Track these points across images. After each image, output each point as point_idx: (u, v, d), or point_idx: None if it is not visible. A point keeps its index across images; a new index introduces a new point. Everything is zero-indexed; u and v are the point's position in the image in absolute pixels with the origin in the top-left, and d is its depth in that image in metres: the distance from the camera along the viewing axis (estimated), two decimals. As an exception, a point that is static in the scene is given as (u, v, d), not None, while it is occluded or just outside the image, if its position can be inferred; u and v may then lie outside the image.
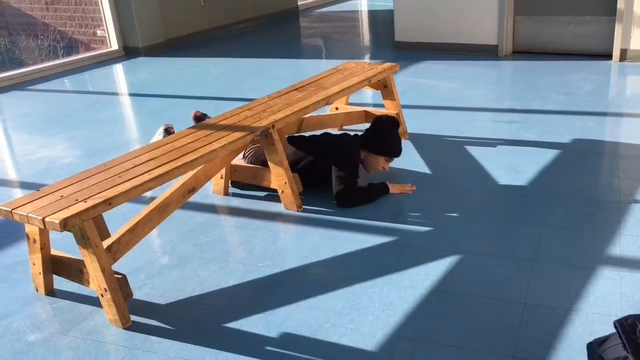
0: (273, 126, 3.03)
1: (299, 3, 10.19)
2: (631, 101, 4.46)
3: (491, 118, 4.26)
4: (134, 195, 2.35)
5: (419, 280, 2.41)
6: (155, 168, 2.51)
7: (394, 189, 3.21)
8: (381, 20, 8.71)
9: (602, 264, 2.42)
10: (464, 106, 4.54)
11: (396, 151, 3.31)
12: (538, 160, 3.45)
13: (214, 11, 8.42)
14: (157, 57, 7.30)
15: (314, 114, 3.65)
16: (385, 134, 3.30)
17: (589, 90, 4.65)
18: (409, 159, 3.66)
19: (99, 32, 7.90)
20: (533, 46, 5.75)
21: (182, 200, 2.85)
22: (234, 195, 3.33)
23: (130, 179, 2.41)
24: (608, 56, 5.28)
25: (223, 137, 2.88)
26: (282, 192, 3.11)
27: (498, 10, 5.71)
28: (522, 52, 5.80)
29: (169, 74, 6.49)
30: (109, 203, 2.24)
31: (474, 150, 3.69)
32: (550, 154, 3.53)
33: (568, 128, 3.90)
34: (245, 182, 3.33)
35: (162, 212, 2.67)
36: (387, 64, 3.96)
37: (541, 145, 3.66)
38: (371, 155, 3.28)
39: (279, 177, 3.08)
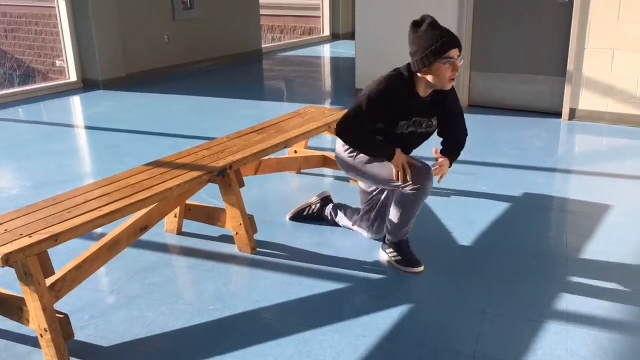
0: (230, 167, 3.02)
1: (263, 45, 10.33)
2: (578, 159, 4.64)
3: (454, 169, 4.34)
4: (82, 231, 2.28)
5: (370, 329, 2.39)
6: (107, 204, 2.45)
7: (399, 158, 2.69)
8: (343, 67, 8.89)
9: (550, 317, 2.46)
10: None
11: (447, 39, 2.58)
12: (490, 212, 3.53)
13: (177, 48, 8.45)
14: (117, 90, 7.24)
15: (273, 156, 3.65)
16: (422, 31, 2.64)
17: (539, 147, 4.82)
18: (365, 206, 3.68)
19: (57, 62, 7.80)
20: (487, 100, 5.95)
21: (133, 238, 2.78)
22: (187, 234, 3.28)
23: (80, 214, 2.34)
24: (558, 114, 5.50)
25: (179, 175, 2.84)
26: (237, 233, 3.07)
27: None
28: (477, 106, 5.99)
29: (128, 108, 6.43)
30: (56, 239, 2.17)
31: (428, 200, 3.74)
32: (502, 207, 3.61)
33: (520, 182, 4.01)
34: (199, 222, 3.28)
35: (111, 249, 2.60)
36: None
37: (494, 198, 3.75)
38: (428, 69, 2.63)
39: (233, 218, 3.05)
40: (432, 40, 2.58)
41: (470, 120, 5.76)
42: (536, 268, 2.89)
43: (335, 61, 9.90)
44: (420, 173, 2.71)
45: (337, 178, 4.15)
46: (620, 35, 5.02)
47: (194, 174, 2.87)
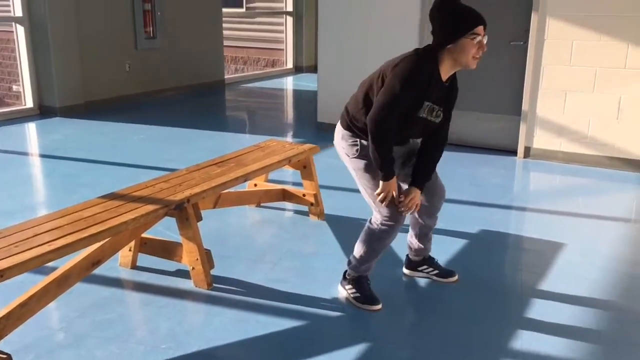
0: (188, 201, 2.97)
1: (226, 76, 10.34)
2: (533, 196, 4.75)
3: (405, 204, 4.38)
4: (30, 267, 2.20)
5: (327, 369, 2.36)
6: (58, 239, 2.37)
7: (393, 184, 2.62)
8: (305, 100, 8.95)
9: (505, 357, 2.47)
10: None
11: (475, 15, 2.52)
12: (448, 249, 3.55)
13: (139, 77, 8.38)
14: (75, 118, 7.10)
15: (232, 189, 3.62)
16: (448, 7, 2.55)
17: (496, 184, 4.92)
18: (325, 242, 3.67)
19: (14, 87, 7.63)
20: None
21: (85, 273, 2.70)
22: (142, 269, 3.19)
23: (29, 249, 2.26)
24: (514, 152, 5.64)
25: (135, 209, 2.78)
26: (193, 268, 3.01)
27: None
28: (436, 142, 6.07)
29: (86, 136, 6.31)
30: (1, 275, 2.08)
31: (387, 235, 3.76)
32: (459, 244, 3.65)
33: (477, 219, 4.07)
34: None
35: (61, 285, 2.51)
36: (308, 145, 4.03)
37: (452, 235, 3.79)
38: (452, 49, 2.53)
39: (190, 253, 2.99)
40: (460, 15, 2.51)
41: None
42: (492, 306, 2.91)
43: (297, 94, 9.97)
44: (400, 210, 2.72)
45: (297, 212, 4.14)
46: (572, 78, 5.22)
47: (151, 207, 2.82)
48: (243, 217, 4.04)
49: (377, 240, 2.77)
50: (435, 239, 3.69)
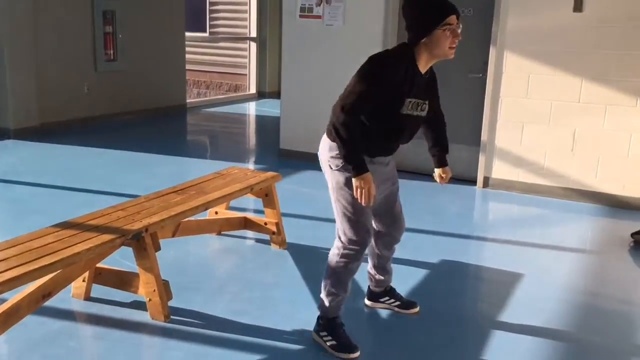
0: (146, 230, 2.90)
1: (187, 100, 10.25)
2: (492, 226, 4.82)
3: (367, 233, 4.38)
4: (-24, 301, 2.09)
5: (287, 405, 2.30)
6: (6, 271, 2.27)
7: (365, 181, 2.48)
8: (268, 126, 8.94)
9: (466, 390, 2.46)
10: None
11: (445, 5, 2.53)
12: (409, 280, 3.55)
13: (98, 99, 8.23)
14: (29, 141, 6.91)
15: (192, 218, 3.55)
16: (415, 3, 2.57)
17: (456, 213, 4.97)
18: (287, 271, 3.63)
19: (-34, 108, 7.38)
20: (407, 166, 6.11)
21: (35, 305, 2.59)
22: (96, 300, 3.08)
23: (-25, 282, 2.15)
24: (473, 182, 5.73)
25: (89, 238, 2.69)
26: (150, 300, 2.92)
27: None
28: (398, 170, 6.12)
29: (40, 160, 6.13)
30: (-56, 310, 1.97)
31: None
32: (420, 274, 3.65)
33: (437, 249, 4.09)
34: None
35: (8, 319, 2.40)
36: (270, 173, 4.01)
37: (413, 265, 3.79)
38: (427, 42, 2.52)
39: (147, 284, 2.90)
40: (430, 7, 2.53)
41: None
42: (453, 337, 2.91)
43: (260, 119, 9.96)
44: (364, 229, 2.64)
45: (258, 240, 4.08)
46: (529, 110, 5.35)
47: (106, 237, 2.73)
48: (203, 246, 3.96)
49: (343, 268, 2.68)
50: (396, 269, 3.69)
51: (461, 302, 3.37)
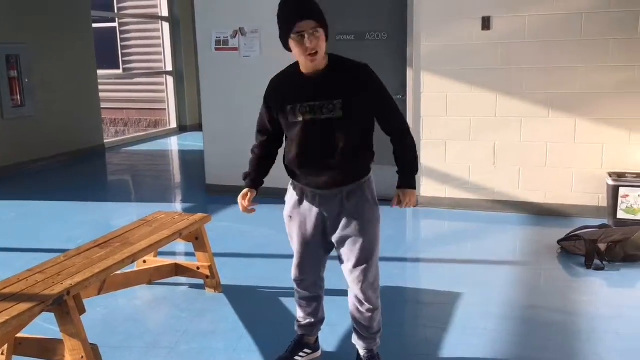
0: (68, 293, 2.69)
1: (105, 140, 9.87)
2: (426, 246, 4.86)
3: (304, 266, 4.30)
4: None
5: None
6: None
7: (242, 197, 2.74)
8: (192, 161, 8.73)
9: None
10: (279, 253, 4.55)
11: (288, 12, 2.34)
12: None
13: (6, 149, 7.75)
14: None
15: (119, 271, 3.35)
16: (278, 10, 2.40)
17: (389, 236, 4.97)
18: (224, 317, 3.48)
19: None
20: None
21: (-54, 392, 2.33)
22: (18, 374, 2.83)
23: None
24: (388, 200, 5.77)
25: (5, 310, 2.46)
26: (78, 368, 2.70)
27: (304, 157, 6.04)
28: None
29: (-54, 219, 5.68)
30: None
31: (289, 303, 3.63)
32: (361, 304, 3.60)
33: (375, 275, 4.06)
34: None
35: None
36: (199, 215, 3.86)
37: (352, 295, 3.73)
38: (291, 49, 2.40)
39: (73, 350, 2.69)
40: (279, 17, 2.36)
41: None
42: (401, 369, 2.86)
43: (184, 154, 9.72)
44: (299, 265, 2.82)
45: (192, 286, 3.91)
46: (449, 128, 5.48)
47: (24, 306, 2.51)
48: (133, 298, 3.75)
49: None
50: (335, 300, 3.63)
51: (406, 328, 3.34)
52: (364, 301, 2.67)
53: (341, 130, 2.44)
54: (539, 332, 3.24)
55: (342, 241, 2.61)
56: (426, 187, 5.66)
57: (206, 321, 3.44)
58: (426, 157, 5.60)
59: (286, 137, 2.63)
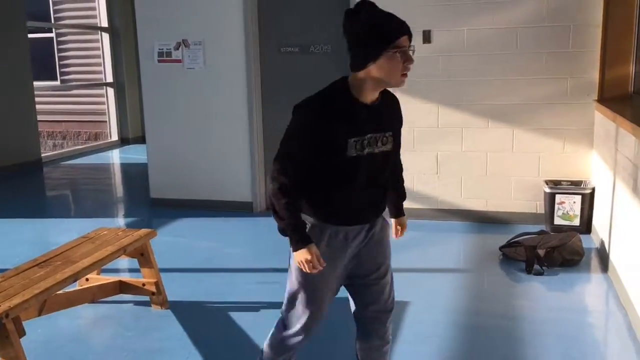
0: (7, 315, 2.58)
1: (42, 154, 9.52)
2: (374, 255, 4.90)
3: (253, 279, 4.28)
4: None
5: None
6: None
7: (308, 254, 2.14)
8: (135, 174, 8.54)
9: None
10: (226, 267, 4.51)
11: (396, 24, 2.09)
12: (301, 324, 3.48)
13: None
14: None
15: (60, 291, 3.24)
16: (363, 18, 2.10)
17: (338, 246, 5.01)
18: (172, 334, 3.41)
19: None
20: (285, 203, 6.10)
21: None
22: (-48, 403, 2.68)
23: None
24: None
25: (-62, 336, 2.34)
26: (18, 394, 2.59)
27: (250, 168, 6.01)
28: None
29: None
30: None
31: (238, 317, 3.60)
32: (311, 316, 3.60)
33: (324, 286, 4.07)
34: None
35: None
36: (144, 231, 3.77)
37: (302, 307, 3.73)
38: (374, 64, 2.08)
39: (13, 376, 2.58)
40: (378, 26, 2.07)
41: (270, 224, 5.83)
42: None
43: (126, 168, 9.49)
44: (316, 319, 2.35)
45: (137, 303, 3.82)
46: (394, 139, 5.57)
47: (-41, 332, 2.39)
48: (75, 318, 3.62)
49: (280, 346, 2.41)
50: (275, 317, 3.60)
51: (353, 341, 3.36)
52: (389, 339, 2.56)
53: (388, 163, 2.29)
54: (484, 337, 3.33)
55: (368, 273, 2.39)
56: (372, 197, 5.72)
57: (153, 339, 3.36)
58: (372, 167, 5.67)
59: (318, 176, 2.20)
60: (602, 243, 4.46)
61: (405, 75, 2.12)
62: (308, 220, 2.23)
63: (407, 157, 5.51)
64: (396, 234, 2.56)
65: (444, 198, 5.57)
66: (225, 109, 5.93)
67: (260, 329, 3.41)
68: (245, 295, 3.94)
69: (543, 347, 3.18)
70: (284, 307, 2.39)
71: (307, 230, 2.19)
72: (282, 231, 2.21)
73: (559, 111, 5.18)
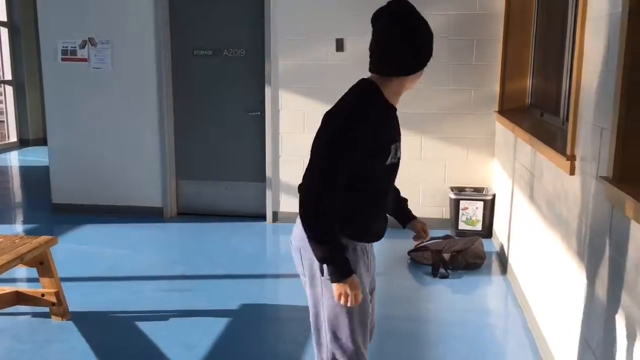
0: None
1: None
2: (285, 262, 4.89)
3: (161, 287, 4.16)
4: None
5: None
6: None
7: (350, 287, 1.95)
8: (35, 178, 8.06)
9: None
10: (133, 275, 4.35)
11: (432, 45, 2.07)
12: (210, 332, 3.42)
13: None
14: None
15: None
16: (414, 25, 2.01)
17: (250, 253, 4.97)
18: (74, 347, 3.24)
19: None
20: (196, 208, 5.99)
21: None
22: None
23: None
24: (263, 218, 5.80)
25: None
26: None
27: (160, 172, 5.85)
28: (186, 214, 5.97)
29: None
30: None
31: (145, 327, 3.49)
32: (222, 324, 3.54)
33: (236, 293, 4.03)
34: None
35: None
36: (43, 238, 3.57)
37: (213, 314, 3.67)
38: (405, 78, 2.04)
39: None
40: (426, 45, 2.04)
41: (181, 229, 5.74)
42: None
43: (26, 171, 8.96)
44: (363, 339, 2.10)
45: (35, 315, 3.60)
46: (308, 144, 5.57)
47: None
48: (-35, 333, 3.37)
49: None
50: (194, 321, 3.55)
51: (266, 347, 3.35)
52: None
53: (397, 172, 2.20)
54: (393, 340, 3.41)
55: (373, 288, 2.38)
56: (285, 202, 5.74)
57: (52, 353, 3.19)
58: (285, 173, 5.69)
59: (353, 188, 2.01)
60: (502, 247, 4.71)
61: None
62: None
63: (320, 163, 5.62)
64: (423, 237, 2.45)
65: (355, 204, 5.67)
66: (135, 110, 5.74)
67: (167, 338, 3.33)
68: (152, 304, 3.82)
69: (448, 348, 3.31)
70: (331, 341, 2.11)
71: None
72: (322, 260, 1.96)
73: (464, 121, 5.42)
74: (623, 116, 2.06)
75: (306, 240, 1.98)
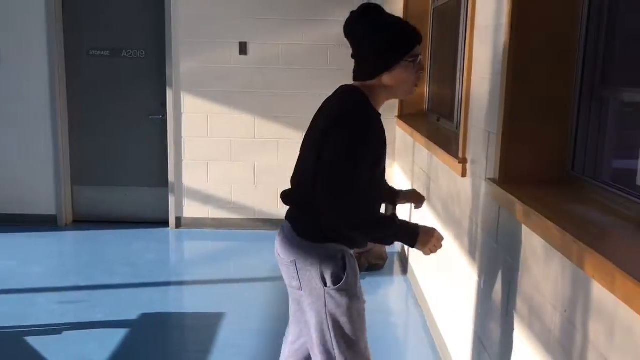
0: None
1: None
2: (189, 268, 4.81)
3: (55, 299, 3.94)
4: None
5: None
6: None
7: (431, 235, 2.06)
8: None
9: None
10: (24, 287, 4.09)
11: (412, 31, 1.99)
12: (109, 344, 3.28)
13: None
14: None
15: None
16: (376, 23, 1.99)
17: (151, 260, 4.82)
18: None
19: None
20: (94, 215, 5.73)
21: None
22: None
23: None
24: (166, 223, 5.65)
25: None
26: None
27: (54, 178, 5.55)
28: (83, 221, 5.69)
29: None
30: None
31: (37, 342, 3.29)
32: (120, 335, 3.41)
33: (136, 303, 3.88)
34: None
35: None
36: None
37: (111, 326, 3.52)
38: (385, 78, 1.98)
39: None
40: (395, 34, 1.96)
41: (77, 238, 5.46)
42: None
43: None
44: None
45: None
46: (211, 148, 5.53)
47: None
48: None
49: None
50: (93, 334, 3.41)
51: (166, 356, 3.25)
52: None
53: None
54: (297, 343, 3.41)
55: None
56: (189, 208, 5.62)
57: None
58: (188, 177, 5.57)
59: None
60: (403, 247, 4.86)
61: (417, 85, 2.03)
62: (331, 249, 2.01)
63: (225, 167, 5.57)
64: (422, 201, 2.46)
65: (261, 208, 5.65)
66: (25, 113, 5.42)
67: (61, 353, 3.17)
68: (44, 318, 3.61)
69: (350, 348, 3.36)
70: (347, 350, 2.12)
71: (338, 260, 2.00)
72: (391, 241, 2.06)
73: (366, 125, 5.54)
74: (507, 121, 2.18)
75: (303, 252, 2.01)
